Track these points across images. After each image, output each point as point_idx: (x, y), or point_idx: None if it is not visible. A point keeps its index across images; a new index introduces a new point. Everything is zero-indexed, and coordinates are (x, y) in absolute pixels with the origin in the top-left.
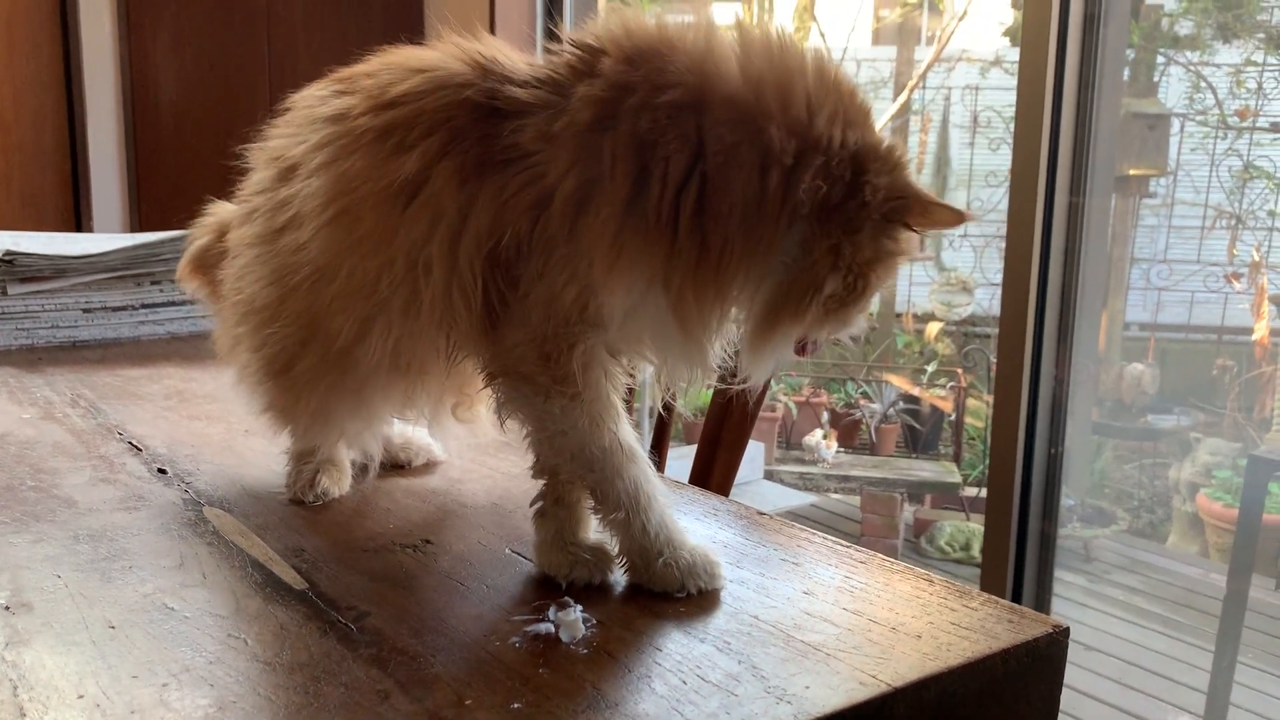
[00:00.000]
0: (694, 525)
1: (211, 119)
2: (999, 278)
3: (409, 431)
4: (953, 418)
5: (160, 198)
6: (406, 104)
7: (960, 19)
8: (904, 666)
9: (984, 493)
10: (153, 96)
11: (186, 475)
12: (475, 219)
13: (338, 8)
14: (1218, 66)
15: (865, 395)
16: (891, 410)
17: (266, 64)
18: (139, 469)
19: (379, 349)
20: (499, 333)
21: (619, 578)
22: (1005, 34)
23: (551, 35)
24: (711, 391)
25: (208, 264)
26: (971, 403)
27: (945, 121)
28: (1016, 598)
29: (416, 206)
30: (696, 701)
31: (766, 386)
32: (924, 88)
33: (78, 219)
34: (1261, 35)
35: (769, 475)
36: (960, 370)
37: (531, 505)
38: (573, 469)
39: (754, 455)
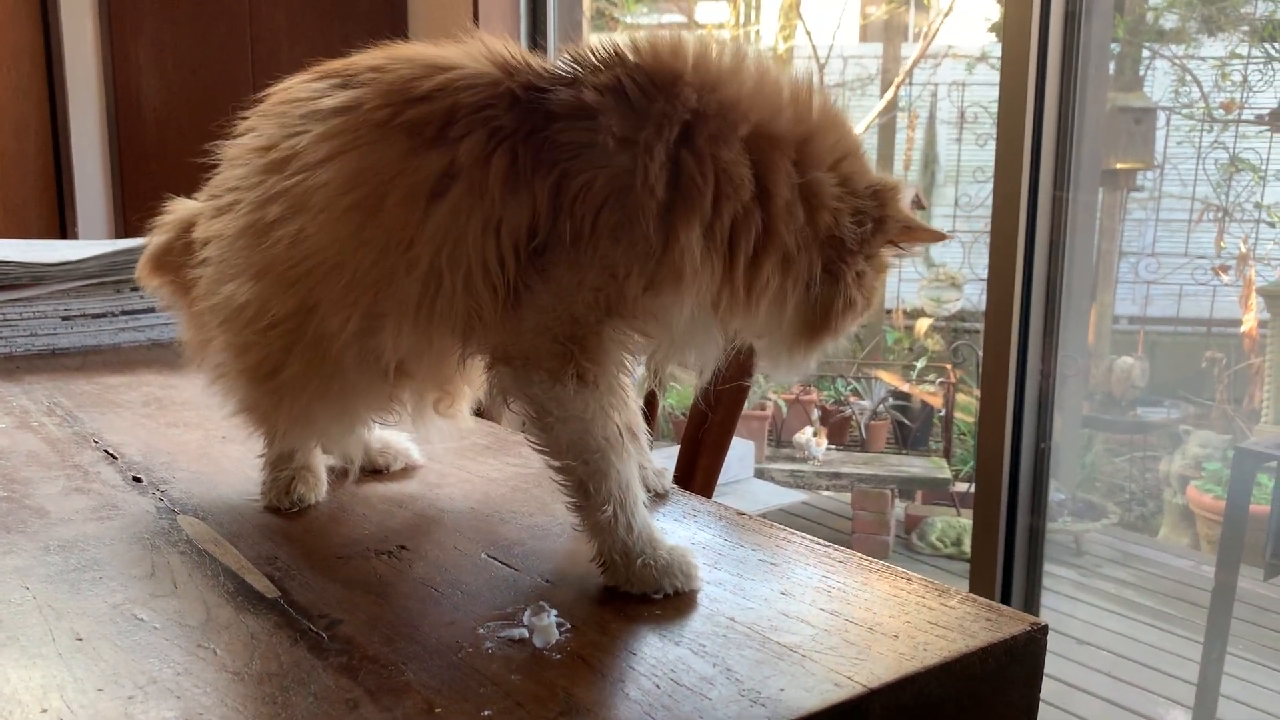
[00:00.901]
0: (673, 527)
1: (195, 125)
2: (987, 273)
3: (388, 436)
4: (943, 413)
5: (145, 204)
6: (439, 99)
7: (946, 15)
8: (880, 667)
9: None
10: (136, 103)
11: (161, 483)
12: (520, 212)
13: (320, 14)
14: (1203, 60)
15: (855, 392)
16: (881, 407)
17: (250, 70)
18: (113, 477)
19: (389, 344)
20: (516, 316)
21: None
22: (991, 29)
23: (583, 42)
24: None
25: (169, 262)
26: (961, 398)
27: (932, 118)
28: (1006, 592)
29: (454, 199)
30: (670, 706)
31: (748, 390)
32: (910, 84)
33: (62, 227)
34: (1246, 28)
35: (759, 473)
36: (949, 366)
37: None
38: (565, 460)
39: (744, 453)
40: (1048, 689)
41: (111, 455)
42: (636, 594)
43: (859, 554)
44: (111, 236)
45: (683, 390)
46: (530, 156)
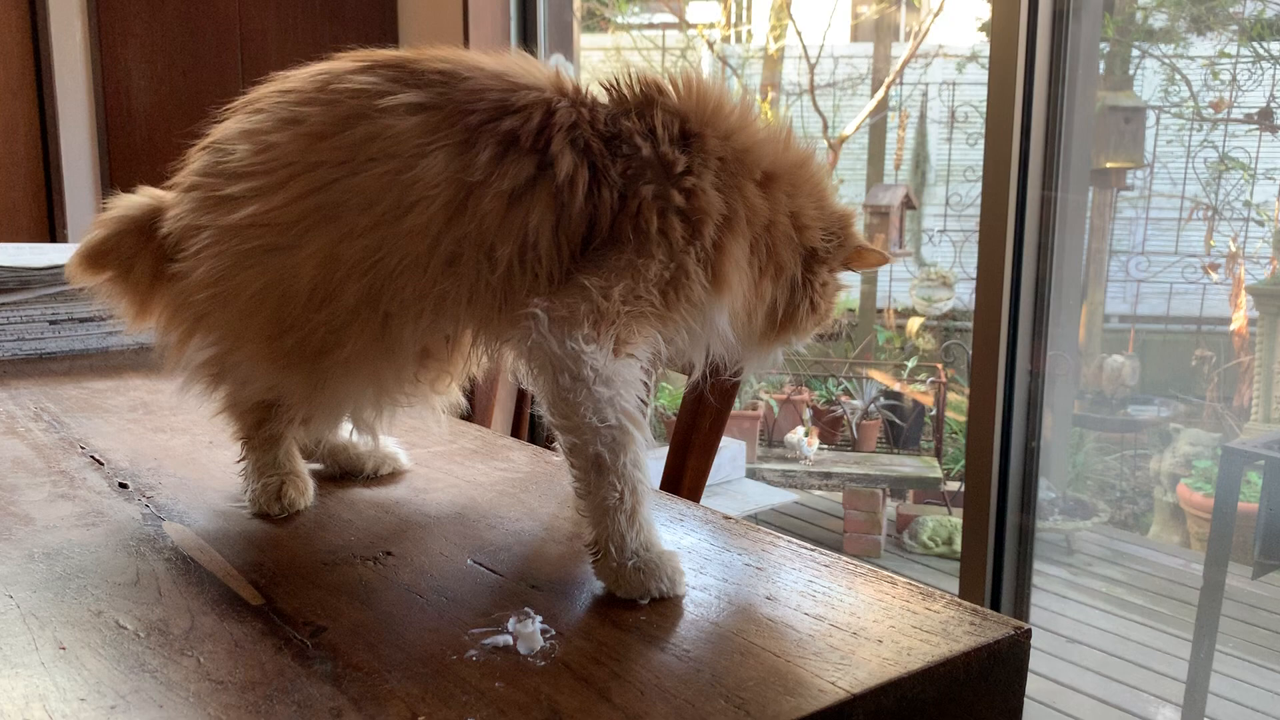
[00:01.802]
0: (661, 531)
1: (185, 127)
2: (976, 273)
3: (377, 440)
4: (934, 412)
5: None
6: (532, 115)
7: (936, 15)
8: (863, 672)
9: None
10: (125, 105)
11: (148, 489)
12: (585, 219)
13: (310, 14)
14: (1192, 59)
15: (846, 391)
16: (873, 406)
17: (239, 71)
18: (100, 484)
19: (449, 330)
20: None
21: (583, 582)
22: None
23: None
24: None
25: (113, 259)
26: (953, 397)
27: (923, 117)
28: (996, 591)
29: (535, 204)
30: (653, 714)
31: (736, 391)
32: (901, 84)
33: (52, 229)
34: (1234, 27)
35: (751, 473)
36: (940, 365)
37: None
38: (588, 424)
39: (736, 454)
40: (1038, 687)
41: (98, 461)
42: (621, 597)
43: (845, 558)
44: None
45: (674, 391)
46: (604, 174)
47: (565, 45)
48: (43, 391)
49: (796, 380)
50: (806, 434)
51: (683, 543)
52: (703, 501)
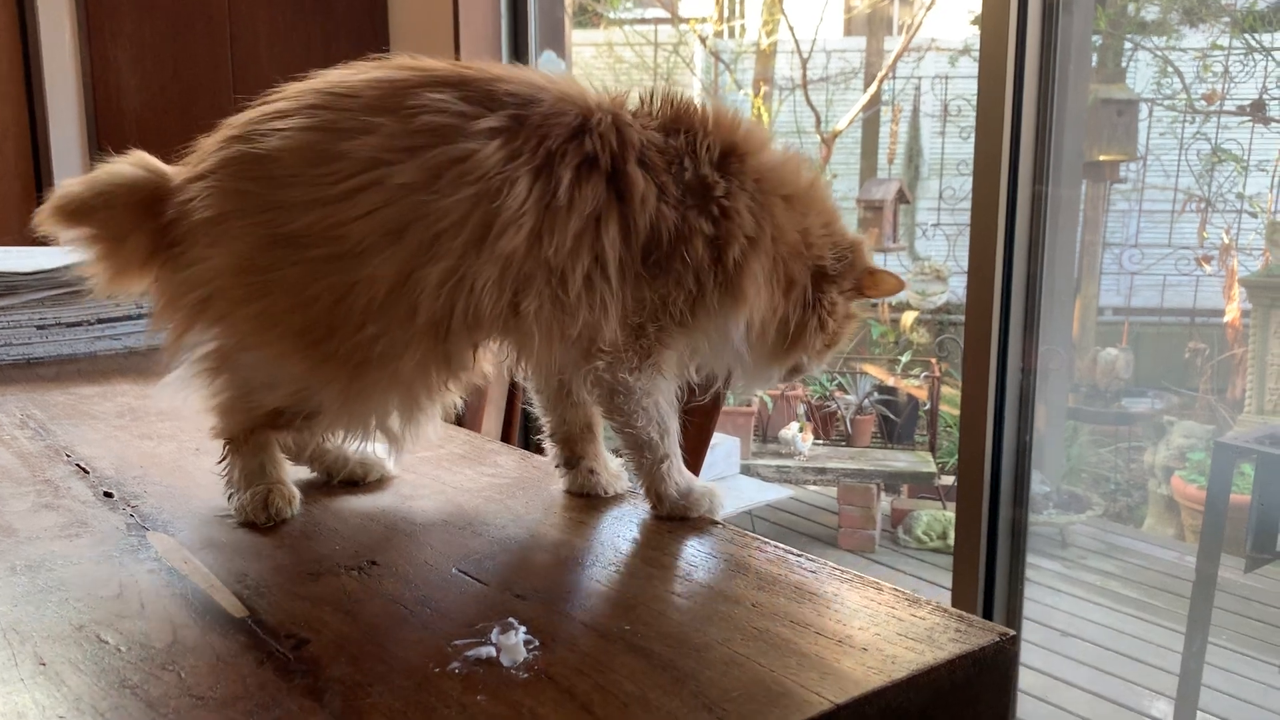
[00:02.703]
0: (647, 536)
1: (176, 126)
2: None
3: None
4: (928, 407)
5: None
6: (606, 138)
7: (929, 8)
8: (847, 681)
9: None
10: (116, 105)
11: (133, 498)
12: (649, 230)
13: (300, 13)
14: (1184, 51)
15: (840, 387)
16: (867, 401)
17: (230, 70)
18: (84, 493)
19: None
20: (606, 316)
21: (576, 585)
22: (974, 23)
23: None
24: None
25: (92, 214)
26: (947, 391)
27: (916, 111)
28: (989, 585)
29: (609, 220)
30: None
31: (723, 399)
32: (894, 78)
33: None
34: (1226, 19)
35: (746, 469)
36: (934, 360)
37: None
38: (643, 424)
39: (730, 449)
40: (1032, 682)
41: (83, 469)
42: (678, 517)
43: (831, 564)
44: None
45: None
46: (665, 191)
47: (556, 42)
48: (29, 398)
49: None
50: (801, 430)
51: (671, 549)
52: None
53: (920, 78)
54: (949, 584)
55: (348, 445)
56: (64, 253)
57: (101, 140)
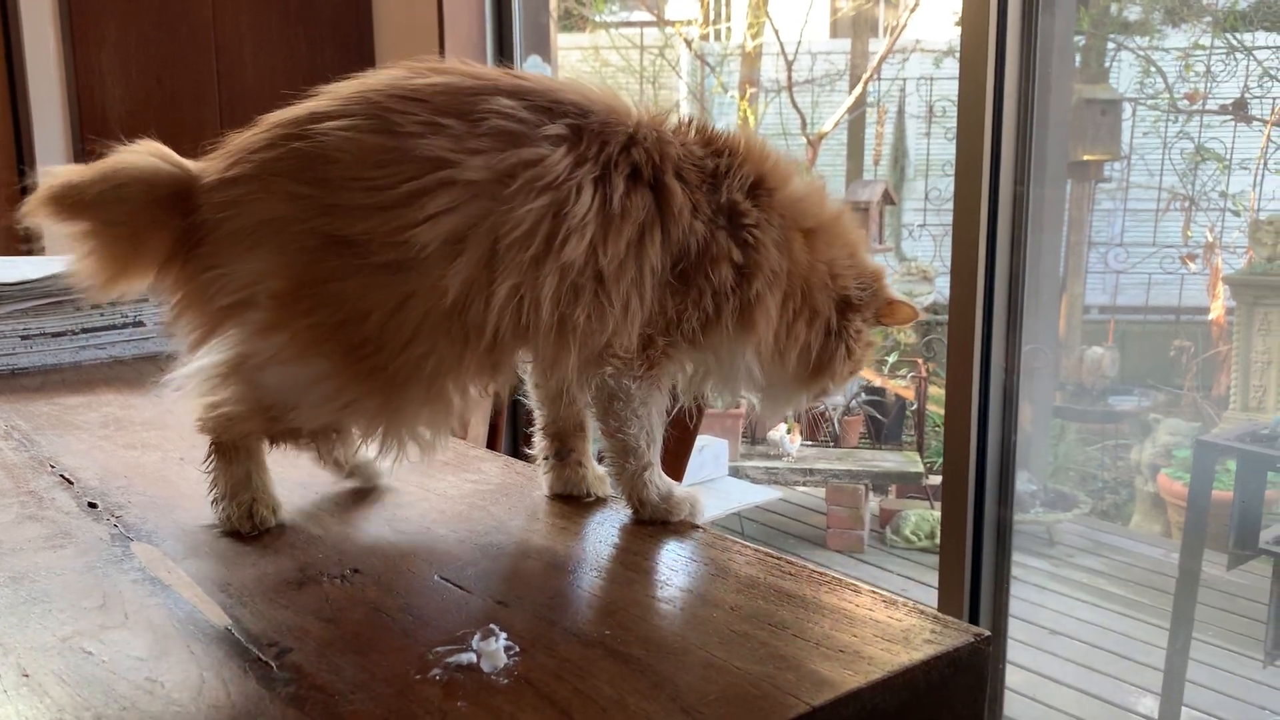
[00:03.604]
0: (628, 541)
1: (162, 132)
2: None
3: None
4: (915, 407)
5: None
6: (651, 150)
7: (913, 10)
8: (824, 683)
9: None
10: (101, 112)
11: (117, 508)
12: (683, 241)
13: (284, 17)
14: (1166, 51)
15: None
16: (854, 402)
17: (215, 75)
18: (68, 504)
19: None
20: (628, 327)
21: (562, 595)
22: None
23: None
24: None
25: (137, 219)
26: (934, 391)
27: (901, 112)
28: (975, 584)
29: (652, 230)
30: None
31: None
32: (879, 79)
33: (28, 239)
34: (1208, 19)
35: (734, 471)
36: (920, 360)
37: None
38: (634, 430)
39: (719, 452)
40: (1019, 680)
41: (68, 480)
42: (659, 521)
43: (811, 565)
44: None
45: None
46: (699, 208)
47: (542, 46)
48: (13, 408)
49: None
50: (789, 431)
51: (650, 553)
52: None
53: (905, 79)
54: (936, 583)
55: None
56: (48, 262)
57: (88, 149)
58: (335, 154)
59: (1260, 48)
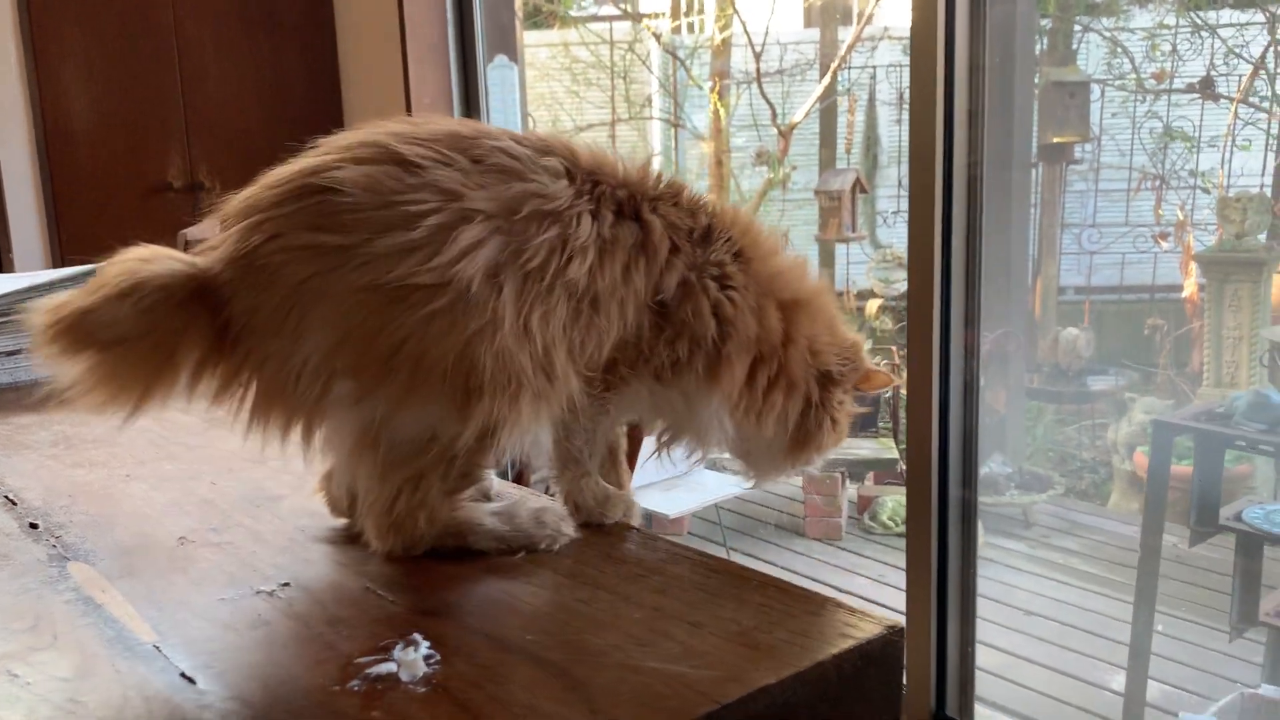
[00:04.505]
0: (561, 546)
1: (127, 145)
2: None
3: None
4: (890, 394)
5: (80, 227)
6: (634, 193)
7: None
8: (734, 680)
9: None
10: (65, 127)
11: (58, 528)
12: (658, 276)
13: (247, 26)
14: (1133, 31)
15: None
16: None
17: (179, 85)
18: (9, 525)
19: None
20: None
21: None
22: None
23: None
24: None
25: (103, 335)
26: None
27: (872, 100)
28: (942, 566)
29: (636, 259)
30: None
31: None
32: (849, 68)
33: None
34: None
35: (711, 464)
36: (894, 348)
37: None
38: (573, 445)
39: None
40: (991, 660)
41: (11, 501)
42: (595, 524)
43: (738, 564)
44: (47, 261)
45: None
46: (679, 249)
47: (508, 46)
48: None
49: None
50: None
51: (582, 556)
52: (663, 495)
53: (875, 67)
54: None
55: None
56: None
57: (53, 162)
58: (351, 191)
59: (1225, 25)
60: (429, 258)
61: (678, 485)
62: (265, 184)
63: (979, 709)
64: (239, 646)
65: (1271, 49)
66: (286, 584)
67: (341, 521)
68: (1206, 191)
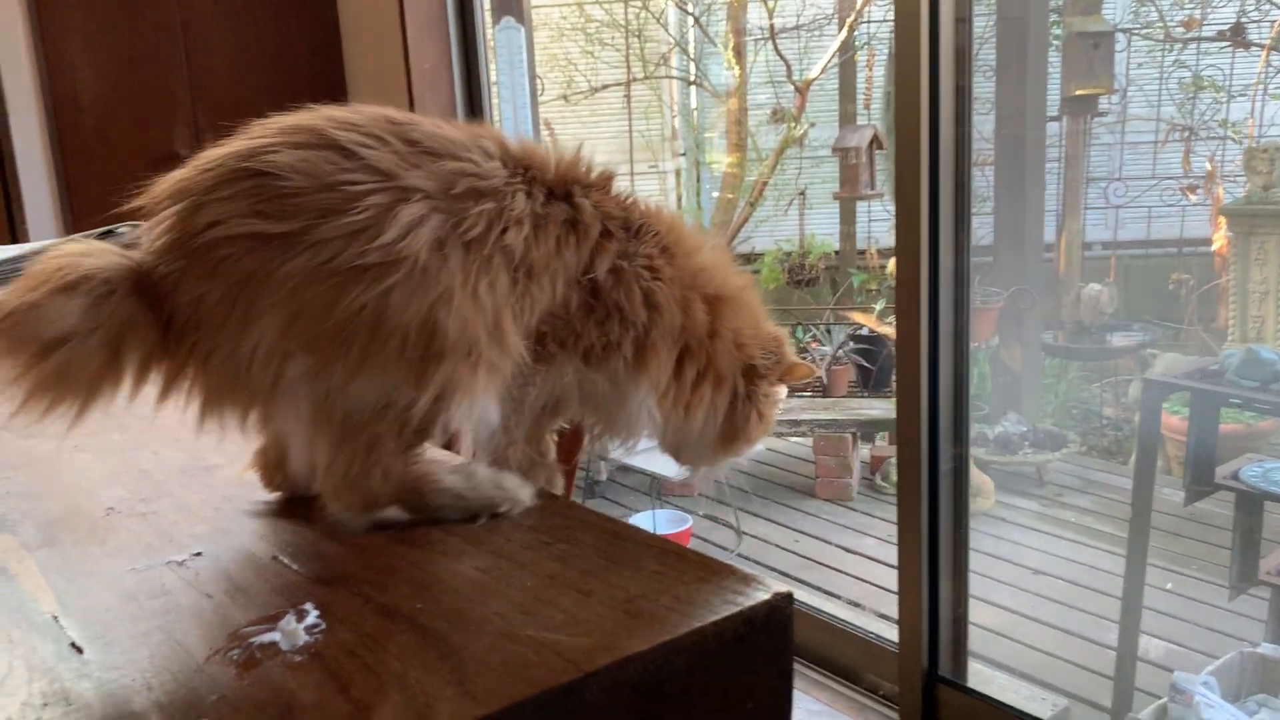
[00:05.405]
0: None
1: (133, 116)
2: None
3: None
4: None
5: (91, 196)
6: (563, 178)
7: None
8: (603, 649)
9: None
10: (73, 99)
11: None
12: (589, 256)
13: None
14: None
15: (815, 338)
16: (841, 351)
17: (184, 57)
18: None
19: None
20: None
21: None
22: None
23: None
24: None
25: (107, 328)
26: None
27: (891, 55)
28: (933, 526)
29: (567, 236)
30: (383, 705)
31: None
32: (868, 21)
33: (11, 224)
34: None
35: None
36: None
37: None
38: (520, 411)
39: None
40: (998, 620)
41: None
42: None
43: (645, 532)
44: (60, 230)
45: None
46: (611, 233)
47: (514, 7)
48: None
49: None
50: None
51: (496, 525)
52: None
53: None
54: None
55: None
56: None
57: (63, 136)
58: (289, 176)
59: None
60: (374, 238)
61: None
62: (198, 166)
63: (981, 667)
64: (135, 616)
65: None
66: (199, 554)
67: (274, 496)
68: (1237, 142)
